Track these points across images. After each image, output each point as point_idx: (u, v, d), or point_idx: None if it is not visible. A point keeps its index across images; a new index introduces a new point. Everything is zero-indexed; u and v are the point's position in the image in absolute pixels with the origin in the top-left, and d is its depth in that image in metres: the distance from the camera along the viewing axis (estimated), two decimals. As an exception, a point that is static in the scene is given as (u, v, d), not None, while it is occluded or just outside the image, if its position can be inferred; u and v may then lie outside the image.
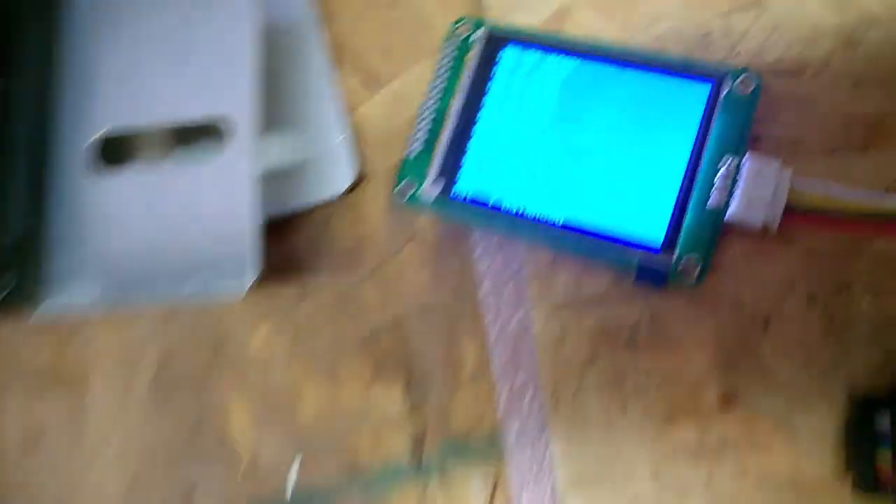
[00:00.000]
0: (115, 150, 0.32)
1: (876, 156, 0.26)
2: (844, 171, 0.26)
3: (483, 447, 0.28)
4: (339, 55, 0.33)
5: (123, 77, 0.31)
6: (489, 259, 0.29)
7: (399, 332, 0.30)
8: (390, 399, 0.29)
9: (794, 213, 0.25)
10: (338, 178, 0.31)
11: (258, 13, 0.30)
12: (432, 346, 0.30)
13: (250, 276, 0.28)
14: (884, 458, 0.22)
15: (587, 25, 0.29)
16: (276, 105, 0.31)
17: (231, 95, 0.29)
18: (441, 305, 0.30)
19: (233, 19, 0.30)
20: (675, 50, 0.28)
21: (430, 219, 0.30)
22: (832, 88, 0.27)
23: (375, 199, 0.31)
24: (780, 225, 0.25)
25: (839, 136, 0.27)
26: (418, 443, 0.29)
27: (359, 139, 0.32)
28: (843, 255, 0.26)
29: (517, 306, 0.28)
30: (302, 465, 0.30)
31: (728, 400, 0.26)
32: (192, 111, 0.30)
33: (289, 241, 0.32)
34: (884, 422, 0.22)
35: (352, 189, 0.31)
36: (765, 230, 0.25)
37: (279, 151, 0.31)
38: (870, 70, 0.27)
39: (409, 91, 0.31)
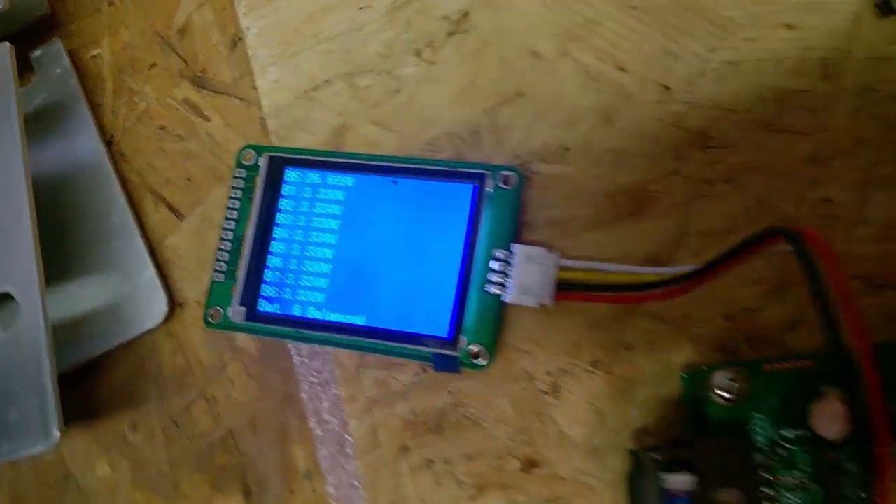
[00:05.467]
0: None
1: (643, 221, 0.28)
2: (615, 240, 0.28)
3: (322, 545, 0.29)
4: (140, 192, 0.33)
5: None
6: (305, 368, 0.30)
7: (232, 445, 0.30)
8: (232, 511, 0.30)
9: (567, 289, 0.27)
10: (153, 310, 0.31)
11: (28, 185, 0.29)
12: (265, 455, 0.30)
13: (54, 433, 0.27)
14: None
15: (366, 138, 0.31)
16: (82, 251, 0.31)
17: (14, 270, 0.29)
18: (269, 415, 0.30)
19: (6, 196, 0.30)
20: (447, 151, 0.30)
21: (250, 338, 0.30)
22: (595, 165, 0.29)
23: (194, 324, 0.31)
24: (556, 301, 0.27)
25: (606, 210, 0.28)
26: (263, 550, 0.29)
27: (172, 268, 0.32)
28: (621, 318, 0.27)
29: (334, 409, 0.29)
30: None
31: (530, 465, 0.27)
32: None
33: (116, 375, 0.32)
34: (678, 481, 0.22)
35: (168, 318, 0.31)
36: (543, 308, 0.27)
37: (89, 295, 0.31)
38: (627, 143, 0.29)
39: (212, 216, 0.32)
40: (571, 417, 0.27)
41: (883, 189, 0.26)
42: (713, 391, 0.22)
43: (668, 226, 0.27)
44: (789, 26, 0.28)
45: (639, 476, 0.23)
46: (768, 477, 0.22)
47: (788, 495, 0.21)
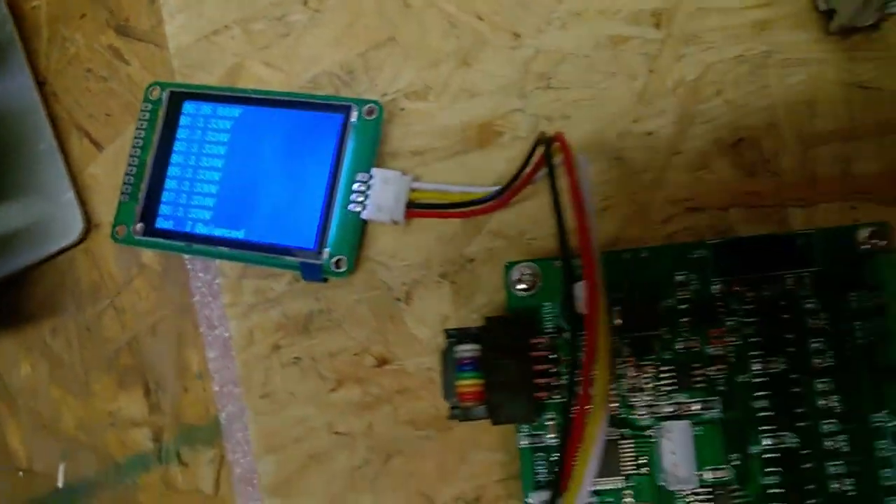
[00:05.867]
0: None
1: (489, 152, 0.32)
2: (465, 169, 0.32)
3: (208, 433, 0.33)
4: (67, 127, 0.37)
5: None
6: (197, 279, 0.34)
7: (136, 349, 0.34)
8: (134, 404, 0.34)
9: (417, 208, 0.31)
10: (71, 228, 0.35)
11: None
12: (163, 358, 0.34)
13: None
14: (464, 383, 0.27)
15: (257, 77, 0.35)
16: (11, 178, 0.35)
17: None
18: (168, 323, 0.34)
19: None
20: (326, 88, 0.34)
21: (155, 252, 0.34)
22: (452, 103, 0.33)
23: (107, 243, 0.35)
24: (408, 218, 0.31)
25: (460, 142, 0.32)
26: (158, 436, 0.33)
27: (90, 194, 0.36)
28: (468, 235, 0.31)
29: (221, 317, 0.33)
30: (68, 465, 0.34)
31: (383, 362, 0.31)
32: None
33: (39, 287, 0.36)
34: (464, 350, 0.27)
35: (85, 237, 0.35)
36: (398, 225, 0.31)
37: (14, 215, 0.35)
38: (481, 83, 0.32)
39: (127, 147, 0.36)
40: (420, 321, 0.30)
41: (700, 125, 0.29)
42: (512, 284, 0.26)
43: (511, 156, 0.31)
44: None
45: (446, 352, 0.27)
46: (553, 356, 0.25)
47: (564, 370, 0.25)
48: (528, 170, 0.26)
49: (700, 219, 0.29)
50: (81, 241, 0.35)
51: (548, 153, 0.23)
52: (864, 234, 0.25)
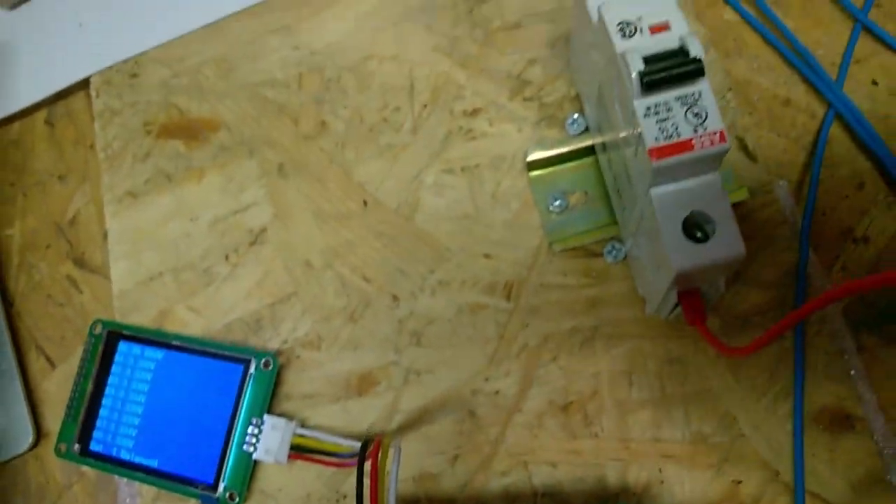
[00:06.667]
0: None
1: (366, 399, 0.37)
2: (346, 413, 0.38)
3: None
4: (27, 344, 0.44)
5: None
6: (123, 493, 0.40)
7: (71, 549, 0.40)
8: None
9: (299, 451, 0.37)
10: (23, 438, 0.42)
11: None
12: (92, 558, 0.40)
13: None
14: None
15: (182, 320, 0.41)
16: None
17: None
18: (98, 527, 0.40)
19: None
20: (237, 334, 0.40)
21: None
22: (339, 353, 0.39)
23: (52, 452, 0.42)
24: (290, 459, 0.37)
25: (343, 388, 0.38)
26: None
27: (43, 407, 0.43)
28: (343, 473, 0.37)
29: None
30: None
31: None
32: None
33: (-6, 486, 0.42)
34: None
35: (36, 445, 0.42)
36: (278, 464, 0.37)
37: None
38: (364, 337, 0.38)
39: (75, 368, 0.43)
40: None
41: (537, 387, 0.36)
42: None
43: (384, 403, 0.37)
44: (487, 256, 0.38)
45: None
46: None
47: None
48: (369, 452, 0.32)
49: (535, 472, 0.35)
50: (33, 447, 0.41)
51: (362, 455, 0.29)
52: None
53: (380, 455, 0.29)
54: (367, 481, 0.29)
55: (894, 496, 0.33)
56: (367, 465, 0.30)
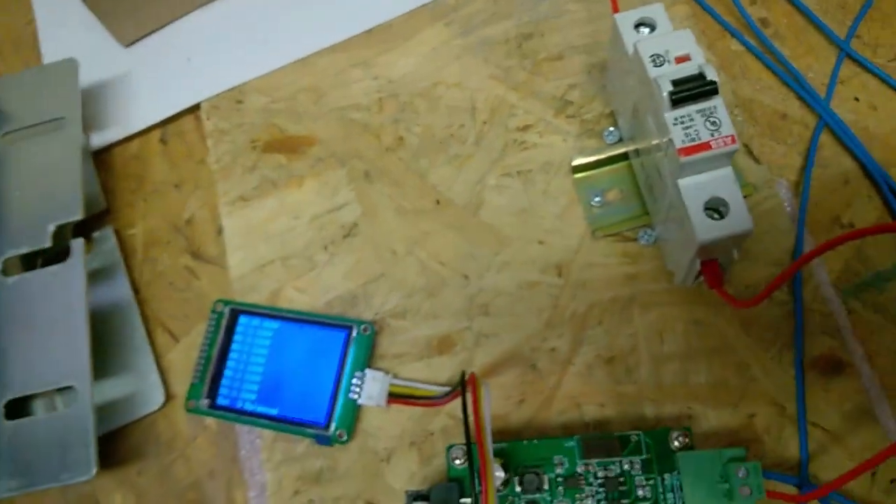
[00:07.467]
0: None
1: (446, 358, 0.46)
2: (430, 368, 0.46)
3: (246, 552, 0.47)
4: (154, 323, 0.53)
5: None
6: (244, 439, 0.49)
7: (198, 488, 0.49)
8: (194, 531, 0.48)
9: (395, 397, 0.46)
10: (155, 399, 0.51)
11: (86, 301, 0.49)
12: (218, 495, 0.49)
13: (93, 469, 0.47)
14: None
15: (290, 298, 0.50)
16: (110, 360, 0.51)
17: (76, 371, 0.49)
18: (221, 470, 0.49)
19: (69, 310, 0.50)
20: (337, 308, 0.49)
21: (213, 419, 0.50)
22: (422, 322, 0.48)
23: (179, 410, 0.51)
24: (389, 404, 0.46)
25: (425, 349, 0.47)
26: (210, 555, 0.48)
27: (168, 374, 0.52)
28: (430, 416, 0.44)
29: (259, 466, 0.48)
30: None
31: (368, 505, 0.46)
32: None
33: (131, 438, 0.51)
34: None
35: (165, 405, 0.51)
36: (382, 408, 0.46)
37: (113, 389, 0.51)
38: (440, 308, 0.47)
39: (196, 342, 0.52)
40: (396, 476, 0.45)
41: (587, 345, 0.44)
42: (451, 460, 0.41)
43: (460, 360, 0.46)
44: (541, 242, 0.48)
45: (408, 506, 0.41)
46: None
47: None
48: (463, 387, 0.41)
49: (586, 411, 0.43)
50: (161, 408, 0.50)
51: (463, 388, 0.38)
52: (674, 435, 0.40)
53: (476, 384, 0.38)
54: (469, 400, 0.37)
55: (876, 424, 0.41)
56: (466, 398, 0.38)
